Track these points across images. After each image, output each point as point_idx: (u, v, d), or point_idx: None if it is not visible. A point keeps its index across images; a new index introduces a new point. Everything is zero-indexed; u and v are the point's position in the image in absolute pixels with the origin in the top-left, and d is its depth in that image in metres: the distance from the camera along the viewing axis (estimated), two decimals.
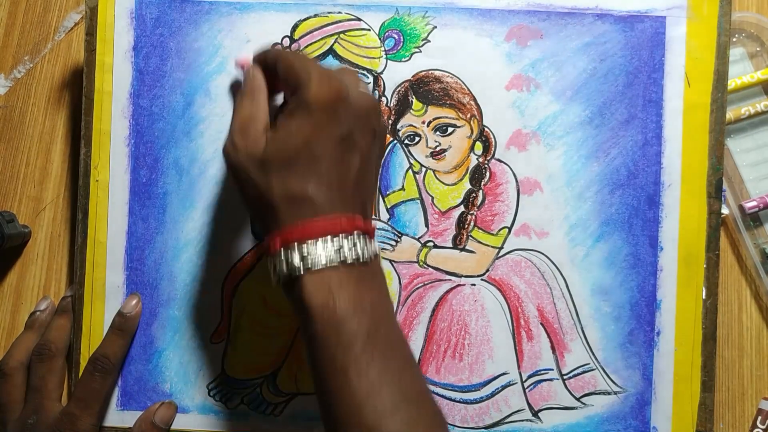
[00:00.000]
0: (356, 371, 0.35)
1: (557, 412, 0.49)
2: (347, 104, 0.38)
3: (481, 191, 0.50)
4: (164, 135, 0.51)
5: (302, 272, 0.36)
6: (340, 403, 0.35)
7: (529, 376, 0.49)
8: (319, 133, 0.37)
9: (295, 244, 0.36)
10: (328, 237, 0.36)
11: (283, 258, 0.37)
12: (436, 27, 0.51)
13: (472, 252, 0.50)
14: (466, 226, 0.50)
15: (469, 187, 0.51)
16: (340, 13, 0.51)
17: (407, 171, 0.51)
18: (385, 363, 0.35)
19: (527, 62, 0.51)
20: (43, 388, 0.49)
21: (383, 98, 0.51)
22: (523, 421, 0.49)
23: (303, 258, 0.36)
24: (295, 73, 0.39)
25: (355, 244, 0.37)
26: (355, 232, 0.37)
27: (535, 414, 0.49)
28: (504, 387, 0.49)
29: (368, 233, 0.38)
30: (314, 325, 0.36)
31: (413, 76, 0.51)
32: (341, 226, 0.37)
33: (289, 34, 0.51)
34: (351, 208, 0.38)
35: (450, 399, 0.49)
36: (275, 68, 0.41)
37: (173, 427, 0.50)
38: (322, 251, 0.36)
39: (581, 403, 0.49)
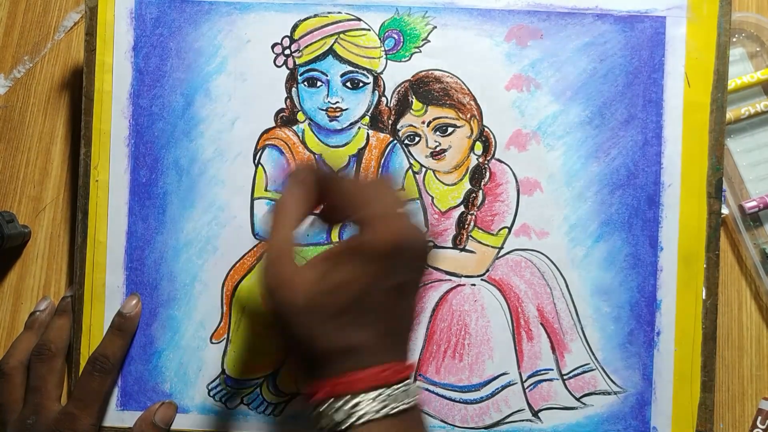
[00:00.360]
0: None
1: (557, 413, 0.49)
2: (406, 252, 0.35)
3: (481, 191, 0.50)
4: (164, 135, 0.51)
5: (347, 425, 0.34)
6: None
7: (529, 376, 0.49)
8: (375, 283, 0.35)
9: (341, 396, 0.34)
10: (376, 390, 0.34)
11: (328, 408, 0.34)
12: (435, 27, 0.51)
13: (472, 252, 0.50)
14: (466, 226, 0.50)
15: (469, 187, 0.51)
16: (340, 13, 0.51)
17: (407, 171, 0.51)
18: None
19: (527, 62, 0.51)
20: (42, 388, 0.49)
21: (383, 98, 0.51)
22: (523, 421, 0.49)
23: (350, 412, 0.34)
24: (353, 207, 0.36)
25: (400, 395, 0.35)
26: (402, 381, 0.35)
27: (535, 414, 0.49)
28: (504, 387, 0.49)
29: (411, 375, 0.36)
30: None
31: (413, 76, 0.51)
32: (389, 377, 0.35)
33: (289, 34, 0.51)
34: (399, 355, 0.36)
35: (450, 399, 0.49)
36: (326, 189, 0.38)
37: (173, 427, 0.50)
38: (368, 404, 0.34)
39: (581, 403, 0.49)
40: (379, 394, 0.34)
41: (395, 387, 0.34)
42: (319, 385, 0.35)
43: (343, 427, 0.34)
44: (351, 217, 0.36)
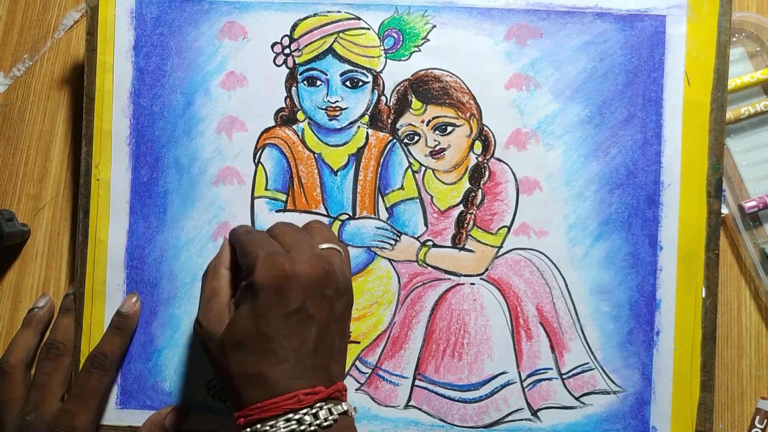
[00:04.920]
0: None
1: (556, 412, 0.49)
2: (293, 281, 0.39)
3: (480, 190, 0.50)
4: (165, 134, 0.51)
5: None
6: None
7: (528, 376, 0.49)
8: (266, 314, 0.39)
9: (257, 424, 0.38)
10: (289, 414, 0.37)
11: None
12: (435, 26, 0.51)
13: (471, 251, 0.50)
14: (466, 225, 0.50)
15: (469, 186, 0.51)
16: (339, 12, 0.51)
17: (406, 170, 0.51)
18: None
19: (527, 61, 0.51)
20: (47, 385, 0.49)
21: (383, 97, 0.51)
22: (522, 420, 0.49)
23: None
24: (245, 257, 0.41)
25: (316, 415, 0.38)
26: (317, 403, 0.38)
27: (534, 413, 0.49)
28: (503, 386, 0.49)
29: (334, 396, 0.39)
30: None
31: (413, 75, 0.51)
32: (300, 401, 0.38)
33: (288, 34, 0.51)
34: (310, 380, 0.39)
35: (449, 398, 0.49)
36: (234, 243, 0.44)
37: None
38: (283, 428, 0.37)
39: (580, 402, 0.49)
40: (288, 420, 0.37)
41: (310, 409, 0.38)
42: (240, 414, 0.39)
43: None
44: (247, 264, 0.41)
